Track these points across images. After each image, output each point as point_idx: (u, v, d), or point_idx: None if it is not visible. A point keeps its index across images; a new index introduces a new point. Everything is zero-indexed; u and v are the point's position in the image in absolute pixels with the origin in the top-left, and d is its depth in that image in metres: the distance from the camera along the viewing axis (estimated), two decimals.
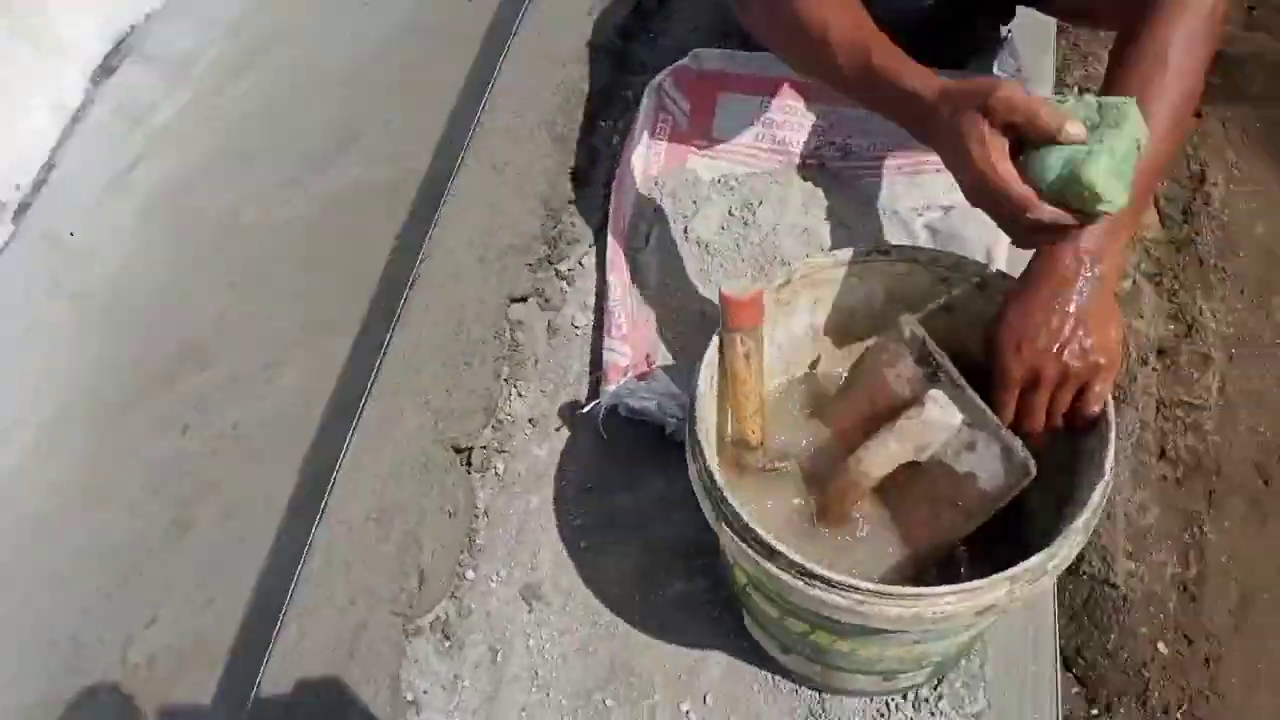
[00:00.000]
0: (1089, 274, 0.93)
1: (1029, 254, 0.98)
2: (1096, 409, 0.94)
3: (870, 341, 1.05)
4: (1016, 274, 0.99)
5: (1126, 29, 1.03)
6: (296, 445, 1.56)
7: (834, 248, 1.35)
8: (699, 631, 1.14)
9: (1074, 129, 0.81)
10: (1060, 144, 0.81)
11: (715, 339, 0.97)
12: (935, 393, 0.95)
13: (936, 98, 0.91)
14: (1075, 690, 1.85)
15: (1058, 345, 0.91)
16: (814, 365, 1.14)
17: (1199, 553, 1.94)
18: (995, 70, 1.58)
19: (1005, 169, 0.83)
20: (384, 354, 1.33)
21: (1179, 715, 1.75)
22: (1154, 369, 2.21)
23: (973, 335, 1.04)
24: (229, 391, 1.73)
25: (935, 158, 1.24)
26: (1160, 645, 1.83)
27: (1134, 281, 2.30)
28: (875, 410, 1.01)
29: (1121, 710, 1.74)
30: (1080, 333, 0.92)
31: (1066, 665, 1.79)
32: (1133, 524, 1.96)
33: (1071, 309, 0.92)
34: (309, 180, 2.12)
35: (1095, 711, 1.76)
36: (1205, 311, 2.25)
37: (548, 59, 1.62)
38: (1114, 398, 2.10)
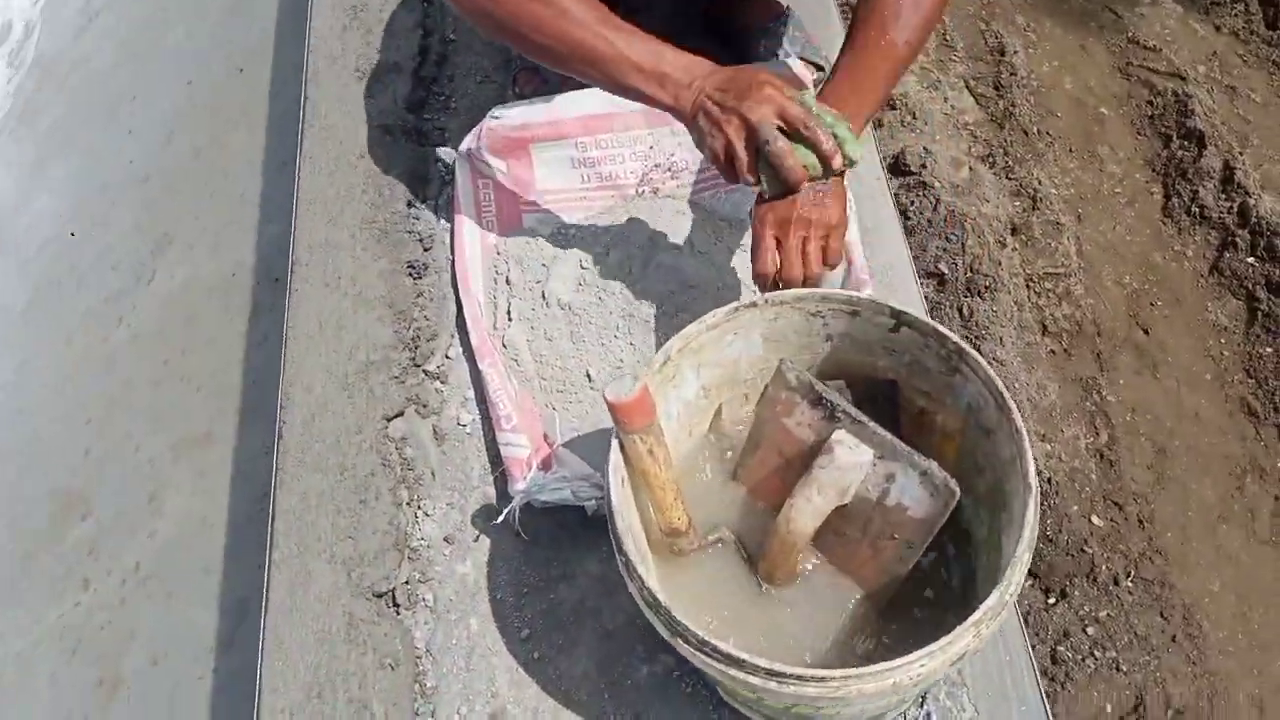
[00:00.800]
0: None
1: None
2: (838, 258, 1.11)
3: (763, 392, 1.04)
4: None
5: None
6: (206, 573, 1.49)
7: (693, 278, 1.32)
8: (676, 712, 1.12)
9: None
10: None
11: (614, 442, 0.94)
12: (840, 435, 0.94)
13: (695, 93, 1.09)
14: (1029, 584, 1.91)
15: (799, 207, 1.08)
16: (717, 415, 1.12)
17: (1104, 418, 2.01)
18: (785, 45, 1.58)
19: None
20: (272, 519, 1.26)
21: (1129, 583, 1.82)
22: (1013, 248, 2.26)
23: (858, 358, 1.03)
24: (118, 533, 1.65)
25: None
26: (1094, 518, 1.90)
27: (969, 168, 2.34)
28: (786, 460, 1.00)
29: (1076, 592, 1.81)
30: (815, 196, 1.08)
31: None
32: (1037, 406, 2.01)
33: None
34: (134, 292, 2.00)
35: (1051, 600, 1.82)
36: (1044, 180, 2.30)
37: (344, 155, 1.54)
38: (985, 288, 2.16)
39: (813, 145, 1.05)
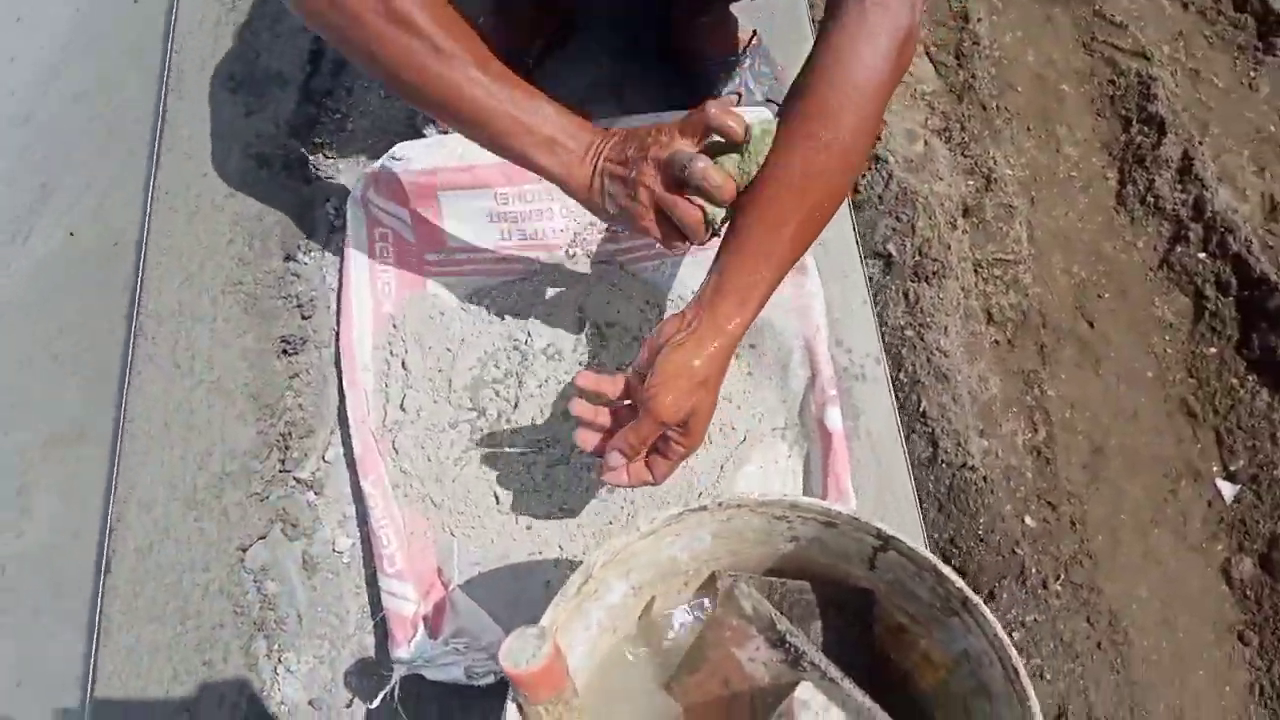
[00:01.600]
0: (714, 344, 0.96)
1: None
2: (666, 469, 1.00)
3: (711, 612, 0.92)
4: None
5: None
6: (75, 586, 1.34)
7: (635, 364, 1.18)
8: None
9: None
10: None
11: (511, 705, 0.80)
12: (803, 692, 0.84)
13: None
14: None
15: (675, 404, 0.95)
16: (648, 607, 0.99)
17: (1044, 414, 1.97)
18: (748, 81, 1.41)
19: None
20: (91, 685, 1.05)
21: (1058, 586, 1.81)
22: (963, 231, 2.19)
23: (828, 562, 0.93)
24: None
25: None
26: (1027, 518, 1.88)
27: (925, 142, 2.25)
28: (733, 694, 0.91)
29: (1004, 595, 1.79)
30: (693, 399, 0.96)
31: (944, 558, 1.81)
32: (977, 400, 1.97)
33: (698, 374, 0.95)
34: (6, 251, 1.83)
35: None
36: (999, 160, 2.22)
37: (208, 192, 1.27)
38: (933, 273, 2.09)
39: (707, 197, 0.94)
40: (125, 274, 1.57)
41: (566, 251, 1.24)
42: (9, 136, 1.89)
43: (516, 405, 1.15)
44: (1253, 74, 2.19)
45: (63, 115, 1.90)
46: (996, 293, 2.08)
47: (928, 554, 0.86)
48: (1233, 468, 1.95)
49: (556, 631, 0.81)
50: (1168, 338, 2.06)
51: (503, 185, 1.22)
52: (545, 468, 1.13)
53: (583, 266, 1.24)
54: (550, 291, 1.23)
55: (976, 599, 0.83)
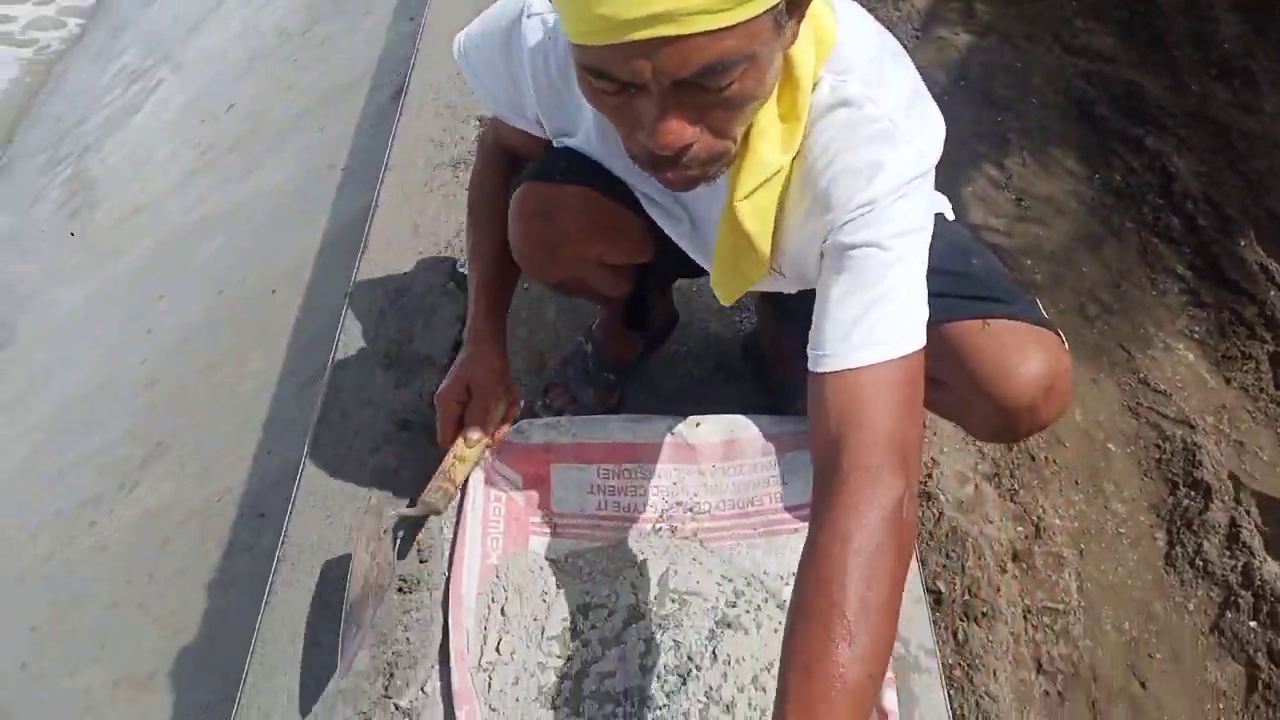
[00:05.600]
0: None
1: None
2: None
3: None
4: None
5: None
6: None
7: (702, 626, 1.25)
8: None
9: None
10: None
11: None
12: None
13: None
14: None
15: None
16: None
17: None
18: None
19: None
20: None
21: None
22: (1013, 575, 2.22)
23: None
24: None
25: (790, 515, 1.24)
26: None
27: (975, 486, 2.33)
28: None
29: None
30: None
31: None
32: None
33: None
34: (112, 499, 1.93)
35: None
36: (1048, 509, 2.29)
37: (355, 449, 1.47)
38: (982, 614, 2.10)
39: None
40: (220, 533, 1.67)
41: (654, 527, 1.37)
42: (136, 397, 2.06)
43: (600, 658, 1.24)
44: None
45: (187, 382, 2.07)
46: (1047, 641, 2.08)
47: None
48: None
49: None
50: (1221, 705, 2.01)
51: (605, 463, 1.39)
52: (626, 709, 1.21)
53: (667, 539, 1.37)
54: (638, 559, 1.33)
55: None
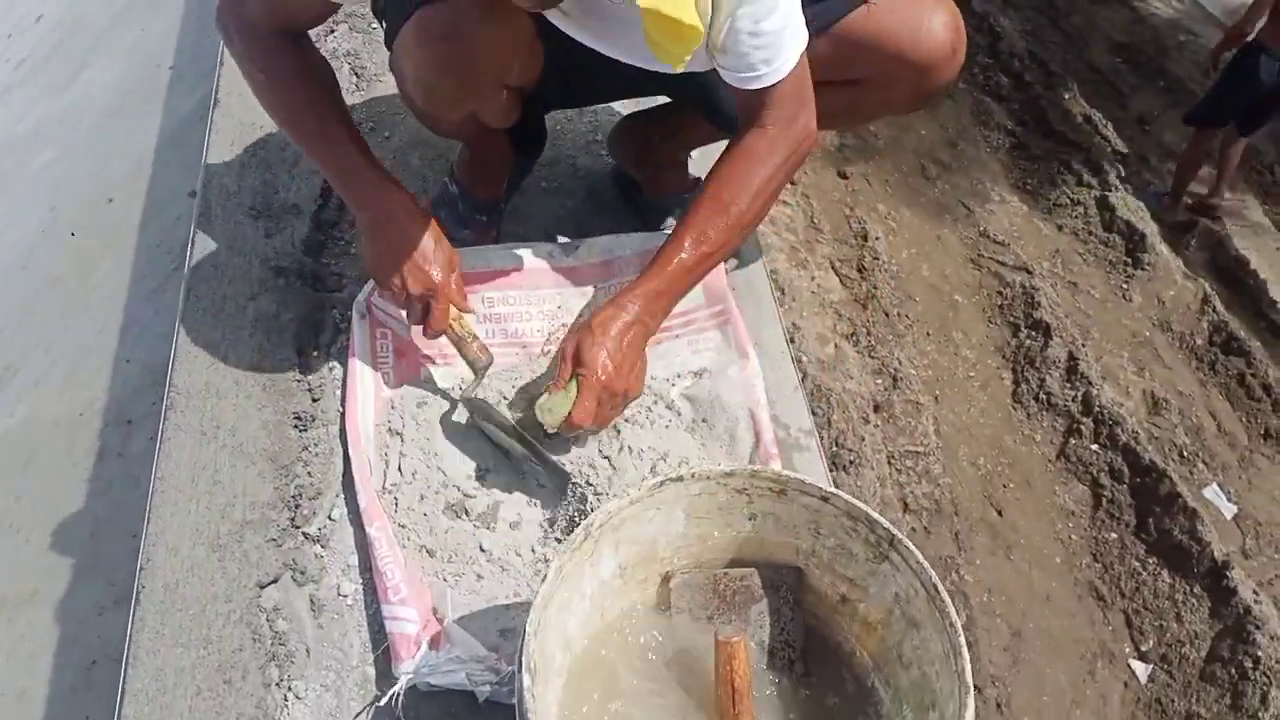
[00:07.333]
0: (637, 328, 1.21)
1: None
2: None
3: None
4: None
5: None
6: None
7: (599, 444, 1.29)
8: None
9: None
10: None
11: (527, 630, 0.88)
12: None
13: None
14: None
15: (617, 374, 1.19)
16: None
17: (963, 598, 2.04)
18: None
19: None
20: (120, 701, 1.11)
21: None
22: (875, 425, 2.33)
23: (779, 538, 1.04)
24: None
25: (673, 323, 1.28)
26: None
27: (835, 345, 2.43)
28: None
29: None
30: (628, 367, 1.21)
31: None
32: None
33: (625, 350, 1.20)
34: None
35: None
36: (903, 361, 2.40)
37: (233, 295, 1.44)
38: (850, 463, 2.20)
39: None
40: (87, 444, 1.61)
41: (542, 349, 1.40)
42: None
43: (494, 468, 1.29)
44: (1125, 286, 2.45)
45: (32, 301, 1.97)
46: (910, 482, 2.19)
47: (860, 503, 0.98)
48: (1144, 648, 2.03)
49: (561, 578, 0.92)
50: (1071, 524, 2.18)
51: (489, 290, 1.40)
52: (526, 515, 1.26)
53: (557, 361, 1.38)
54: (524, 381, 1.36)
55: (901, 535, 0.94)
